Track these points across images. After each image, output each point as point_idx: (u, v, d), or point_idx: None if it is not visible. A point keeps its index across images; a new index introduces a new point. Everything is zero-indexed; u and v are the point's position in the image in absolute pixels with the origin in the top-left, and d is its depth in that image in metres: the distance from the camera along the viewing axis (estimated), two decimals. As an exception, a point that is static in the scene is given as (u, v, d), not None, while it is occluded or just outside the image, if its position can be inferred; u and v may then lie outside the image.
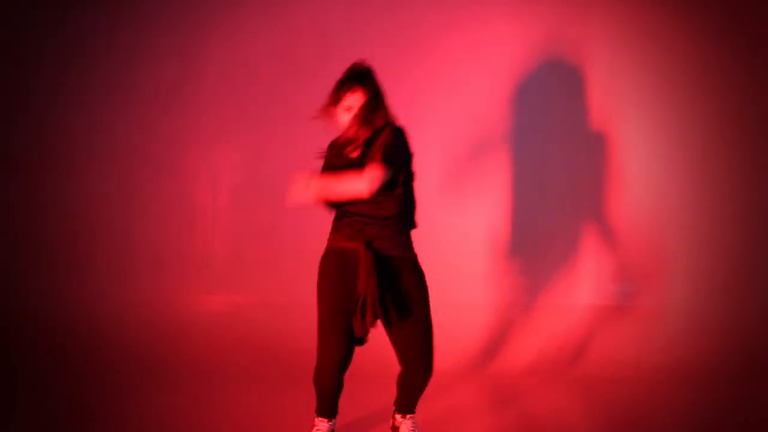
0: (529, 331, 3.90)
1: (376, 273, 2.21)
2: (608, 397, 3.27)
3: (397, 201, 2.28)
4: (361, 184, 2.17)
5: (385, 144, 2.20)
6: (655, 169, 4.03)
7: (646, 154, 4.04)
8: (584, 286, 3.96)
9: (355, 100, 2.25)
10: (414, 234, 2.41)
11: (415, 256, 2.37)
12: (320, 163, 2.41)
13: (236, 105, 4.10)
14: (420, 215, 2.43)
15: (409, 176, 2.36)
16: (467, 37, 4.07)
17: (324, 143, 2.46)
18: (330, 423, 2.43)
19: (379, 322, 2.29)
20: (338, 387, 2.36)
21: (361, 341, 2.32)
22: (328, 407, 2.41)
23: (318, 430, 2.42)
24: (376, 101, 2.27)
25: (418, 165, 2.43)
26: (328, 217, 2.44)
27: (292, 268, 3.98)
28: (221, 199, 4.13)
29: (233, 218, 4.13)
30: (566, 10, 4.05)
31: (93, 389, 3.27)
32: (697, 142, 4.04)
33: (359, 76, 2.28)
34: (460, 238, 4.00)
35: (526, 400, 3.22)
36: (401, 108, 2.51)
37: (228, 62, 4.11)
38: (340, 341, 2.25)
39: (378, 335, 2.39)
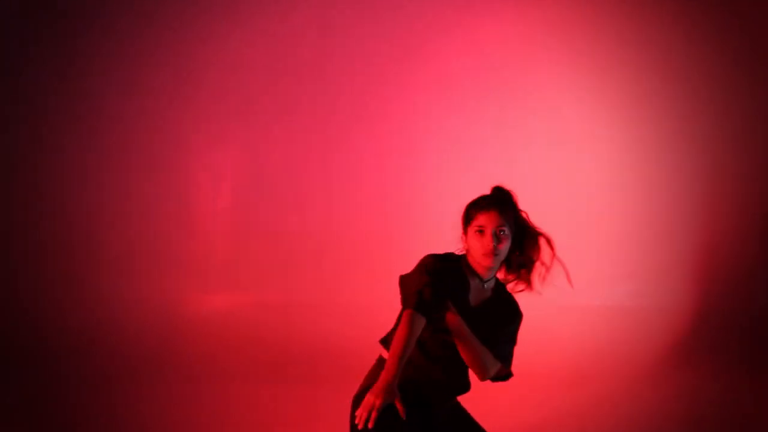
0: (529, 331, 3.89)
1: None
2: (609, 396, 3.27)
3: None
4: (487, 368, 2.07)
5: (513, 337, 2.20)
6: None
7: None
8: (584, 287, 3.96)
9: (488, 221, 1.96)
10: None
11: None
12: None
13: (236, 105, 4.09)
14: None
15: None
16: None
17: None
18: None
19: None
20: None
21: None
22: None
23: None
24: (521, 237, 2.07)
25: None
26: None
27: (292, 268, 3.98)
28: (221, 199, 4.13)
29: (233, 218, 4.13)
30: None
31: (93, 389, 3.27)
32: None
33: (496, 197, 2.03)
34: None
35: (526, 400, 3.22)
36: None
37: (228, 62, 4.10)
38: None
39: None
